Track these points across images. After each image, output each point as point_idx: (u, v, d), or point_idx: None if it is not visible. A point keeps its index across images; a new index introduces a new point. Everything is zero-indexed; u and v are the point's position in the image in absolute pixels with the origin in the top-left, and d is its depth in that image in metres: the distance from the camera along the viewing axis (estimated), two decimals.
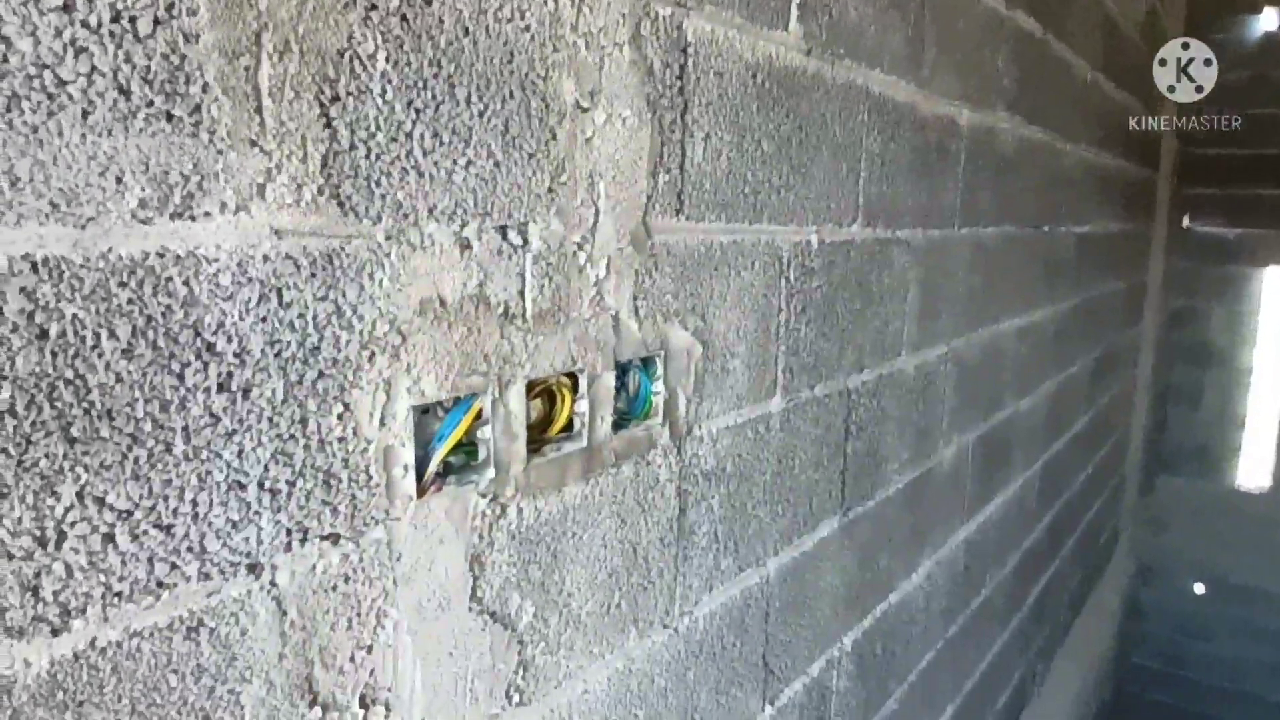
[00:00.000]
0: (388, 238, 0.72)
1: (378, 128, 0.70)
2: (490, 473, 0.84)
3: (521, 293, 0.84)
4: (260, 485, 0.67)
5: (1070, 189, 2.66)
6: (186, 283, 0.60)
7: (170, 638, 0.63)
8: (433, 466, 0.79)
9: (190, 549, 0.63)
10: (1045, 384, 2.66)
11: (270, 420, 0.66)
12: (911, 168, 1.55)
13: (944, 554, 2.03)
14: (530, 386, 0.88)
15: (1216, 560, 4.77)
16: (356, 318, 0.71)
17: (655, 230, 0.99)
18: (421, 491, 0.78)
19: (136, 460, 0.60)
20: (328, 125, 0.67)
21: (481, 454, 0.84)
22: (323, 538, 0.71)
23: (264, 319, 0.65)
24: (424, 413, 0.80)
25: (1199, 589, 4.92)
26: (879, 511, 1.64)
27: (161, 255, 0.59)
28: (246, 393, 0.65)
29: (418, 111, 0.73)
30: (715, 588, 1.20)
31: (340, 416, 0.71)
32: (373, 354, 0.72)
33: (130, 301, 0.58)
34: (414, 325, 0.75)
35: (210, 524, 0.64)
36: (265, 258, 0.64)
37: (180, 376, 0.61)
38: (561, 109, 0.85)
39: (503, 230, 0.81)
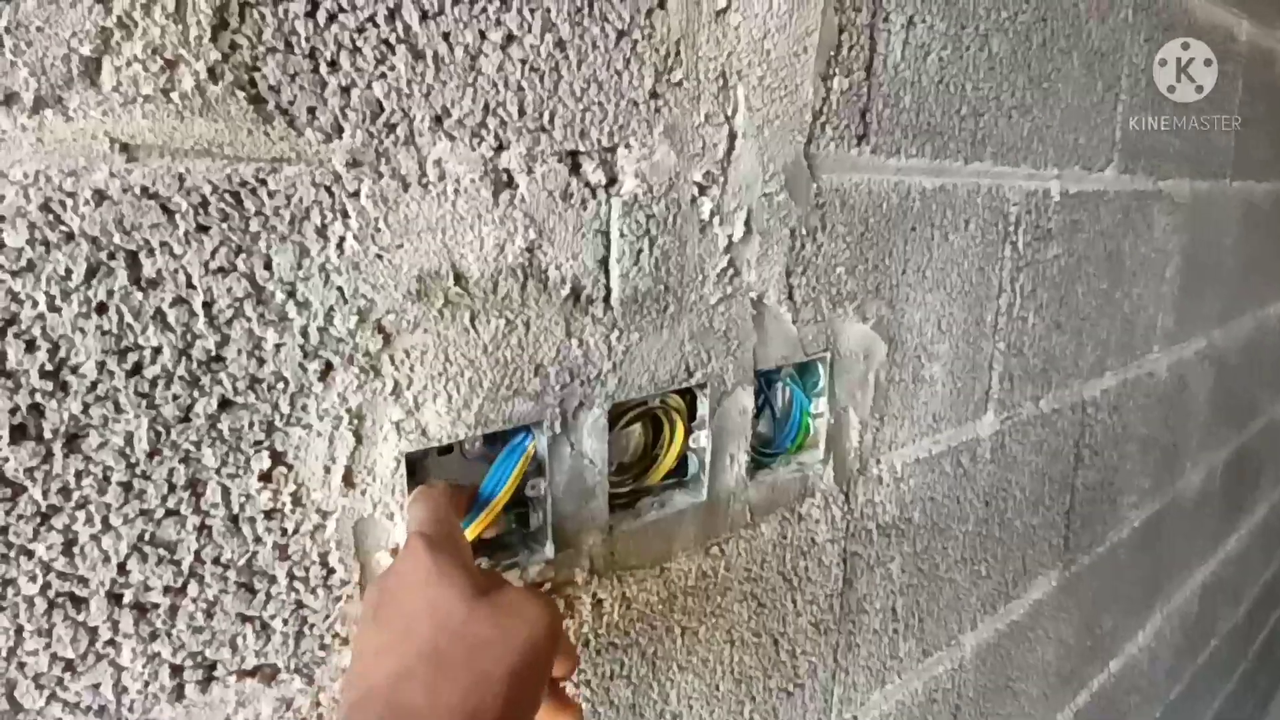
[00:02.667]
0: (355, 164, 0.41)
1: None
2: (547, 549, 0.53)
3: (603, 263, 0.52)
4: (114, 598, 0.38)
5: None
6: None
7: None
8: None
9: None
10: None
11: (126, 488, 0.37)
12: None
13: (1177, 603, 1.58)
14: (620, 411, 0.56)
15: None
16: (295, 305, 0.40)
17: (824, 167, 0.64)
18: None
19: None
20: None
21: (534, 519, 0.53)
22: (244, 674, 0.42)
23: (101, 309, 0.35)
24: (445, 452, 0.50)
25: None
26: (1108, 559, 1.23)
27: None
28: (73, 441, 0.35)
29: None
30: (889, 682, 0.85)
31: (266, 476, 0.41)
32: (328, 368, 0.42)
33: None
34: (407, 317, 0.44)
35: (22, 665, 0.36)
36: (100, 196, 0.35)
37: None
38: None
39: (572, 159, 0.49)
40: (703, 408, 0.60)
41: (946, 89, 0.72)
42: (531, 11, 0.45)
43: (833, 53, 0.62)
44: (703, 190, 0.56)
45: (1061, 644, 1.15)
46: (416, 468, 0.48)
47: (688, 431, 0.61)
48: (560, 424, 0.51)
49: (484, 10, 0.44)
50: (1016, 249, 0.85)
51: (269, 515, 0.41)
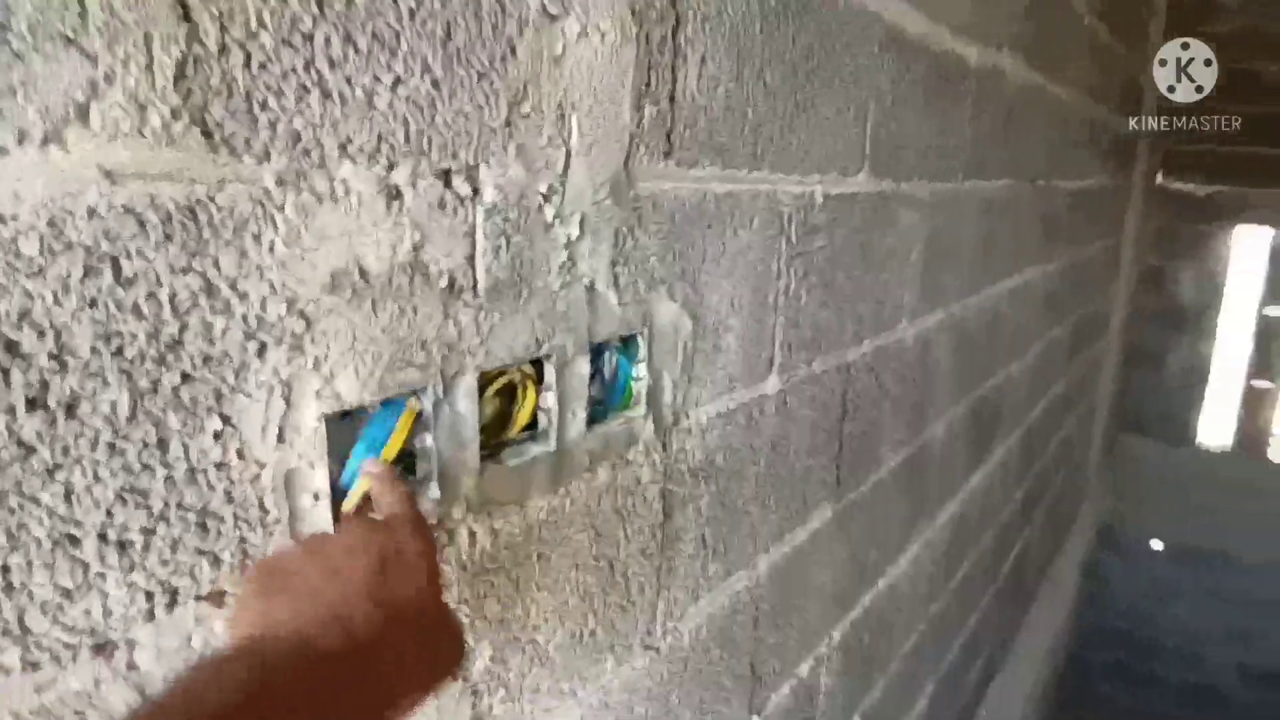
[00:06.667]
0: (281, 183, 0.51)
1: (261, 25, 0.49)
2: (433, 491, 0.65)
3: (470, 259, 0.64)
4: (102, 537, 0.47)
5: (1065, 140, 2.49)
6: None
7: None
8: (356, 492, 0.60)
9: (5, 631, 0.44)
10: (1033, 347, 2.53)
11: (111, 447, 0.46)
12: (920, 111, 1.37)
13: (931, 534, 1.89)
14: (484, 379, 0.69)
15: (1180, 522, 4.76)
16: (237, 297, 0.50)
17: (639, 177, 0.79)
18: (341, 523, 0.59)
19: None
20: (185, 18, 0.46)
21: (421, 468, 0.65)
22: (200, 598, 0.52)
23: (92, 303, 0.44)
24: (344, 416, 0.61)
25: (1156, 545, 4.95)
26: (872, 496, 1.48)
27: None
28: (71, 409, 0.45)
29: (320, 5, 0.52)
30: (702, 597, 1.03)
31: (218, 435, 0.51)
32: (263, 346, 0.52)
33: None
34: (323, 305, 0.55)
35: (31, 595, 0.45)
36: (92, 213, 0.44)
37: None
38: (523, 15, 0.64)
39: (445, 175, 0.61)
40: (549, 374, 0.74)
41: (732, 113, 0.90)
42: (414, 58, 0.57)
43: (644, 86, 0.77)
44: (546, 199, 0.70)
45: (836, 565, 1.39)
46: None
47: (539, 394, 0.74)
48: (441, 388, 0.64)
49: (378, 59, 0.55)
50: (790, 241, 1.05)
51: (219, 467, 0.51)
